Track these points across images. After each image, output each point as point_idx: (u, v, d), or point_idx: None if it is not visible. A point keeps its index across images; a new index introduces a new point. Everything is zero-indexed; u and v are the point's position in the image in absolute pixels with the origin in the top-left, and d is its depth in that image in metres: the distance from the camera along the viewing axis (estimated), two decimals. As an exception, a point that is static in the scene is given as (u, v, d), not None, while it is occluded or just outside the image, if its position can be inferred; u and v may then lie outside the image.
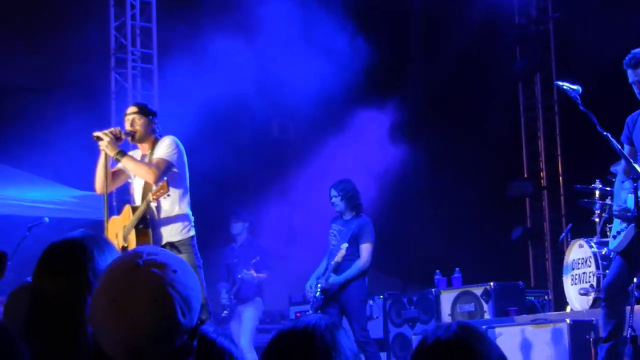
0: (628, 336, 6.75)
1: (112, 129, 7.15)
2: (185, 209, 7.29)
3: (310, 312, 9.51)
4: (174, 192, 7.15)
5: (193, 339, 2.17)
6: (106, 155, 7.12)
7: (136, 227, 7.13)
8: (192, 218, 7.34)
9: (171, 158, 7.19)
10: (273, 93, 12.67)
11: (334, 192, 9.33)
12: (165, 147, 7.24)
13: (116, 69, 12.86)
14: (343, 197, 9.27)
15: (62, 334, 2.44)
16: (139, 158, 7.39)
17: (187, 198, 7.36)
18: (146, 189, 7.22)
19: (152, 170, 7.11)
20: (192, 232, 7.28)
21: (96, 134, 7.10)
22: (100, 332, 2.12)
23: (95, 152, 7.24)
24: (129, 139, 7.36)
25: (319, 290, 9.10)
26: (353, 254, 9.13)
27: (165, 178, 7.02)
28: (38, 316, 2.53)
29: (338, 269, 9.13)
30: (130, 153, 7.42)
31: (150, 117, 7.39)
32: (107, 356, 2.11)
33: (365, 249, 9.19)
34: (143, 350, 2.08)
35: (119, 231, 7.28)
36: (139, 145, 7.44)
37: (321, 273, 9.27)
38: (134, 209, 7.23)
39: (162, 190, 6.92)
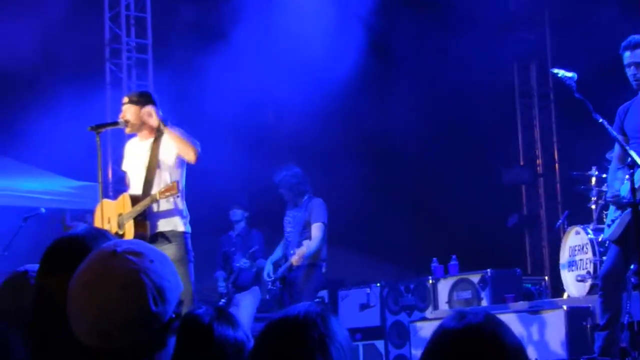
0: (625, 322, 6.77)
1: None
2: (182, 205, 7.21)
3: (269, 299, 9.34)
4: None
5: (167, 331, 2.16)
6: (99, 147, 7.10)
7: (135, 218, 7.07)
8: (188, 215, 7.28)
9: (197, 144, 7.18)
10: (270, 83, 12.60)
11: (279, 185, 9.15)
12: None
13: (111, 60, 12.83)
14: (287, 188, 9.09)
15: (64, 329, 2.46)
16: (138, 147, 7.36)
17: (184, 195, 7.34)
18: (147, 182, 7.16)
19: (194, 149, 7.09)
20: (186, 228, 7.19)
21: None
22: (73, 316, 2.14)
23: (90, 141, 7.20)
24: (126, 129, 7.32)
25: (277, 279, 8.92)
26: (307, 238, 8.96)
27: (177, 179, 6.99)
28: (41, 312, 2.53)
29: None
30: (130, 141, 7.44)
31: (142, 105, 7.22)
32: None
33: (315, 228, 8.95)
34: (112, 334, 2.08)
35: (112, 216, 7.22)
36: (138, 134, 7.38)
37: (277, 259, 9.12)
38: (133, 199, 7.15)
39: (172, 191, 6.85)
